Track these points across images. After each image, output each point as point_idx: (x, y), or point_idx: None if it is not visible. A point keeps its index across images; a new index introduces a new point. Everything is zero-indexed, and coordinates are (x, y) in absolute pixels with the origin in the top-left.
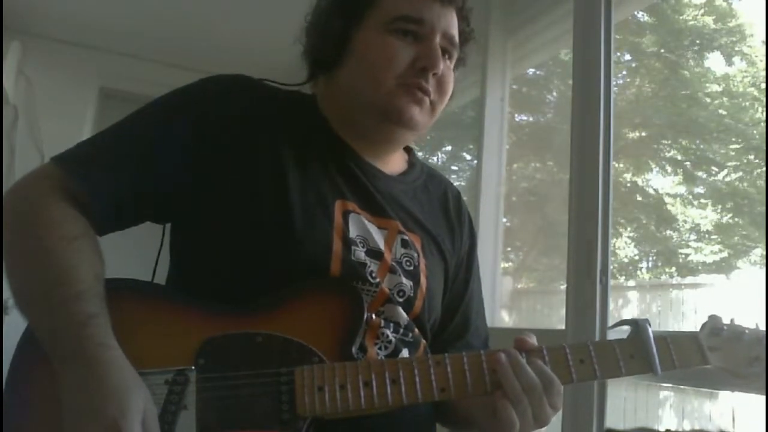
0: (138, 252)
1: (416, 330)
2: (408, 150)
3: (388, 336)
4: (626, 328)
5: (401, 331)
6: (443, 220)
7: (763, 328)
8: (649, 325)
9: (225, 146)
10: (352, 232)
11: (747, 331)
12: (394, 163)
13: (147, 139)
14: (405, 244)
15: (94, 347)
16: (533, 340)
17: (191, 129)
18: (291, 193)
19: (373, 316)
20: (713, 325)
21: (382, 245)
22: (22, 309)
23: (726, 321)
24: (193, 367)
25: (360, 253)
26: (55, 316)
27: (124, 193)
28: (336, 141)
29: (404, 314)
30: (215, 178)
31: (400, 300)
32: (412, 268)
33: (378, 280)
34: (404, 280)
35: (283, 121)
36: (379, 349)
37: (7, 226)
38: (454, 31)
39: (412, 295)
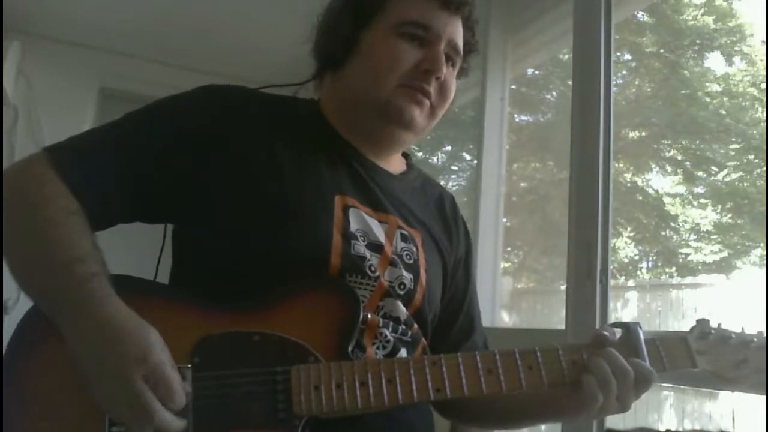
0: (140, 252)
1: (415, 326)
2: (406, 155)
3: (386, 335)
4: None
5: (400, 329)
6: (440, 219)
7: (749, 332)
8: (640, 328)
9: (217, 149)
10: (353, 226)
11: (734, 335)
12: (393, 163)
13: (136, 140)
14: (405, 238)
15: (101, 299)
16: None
17: (181, 134)
18: (288, 189)
19: (369, 315)
20: (701, 329)
21: (382, 238)
22: (23, 279)
23: (714, 325)
24: (189, 366)
25: (360, 247)
26: (58, 276)
27: (110, 191)
28: (337, 138)
29: (403, 309)
30: (208, 180)
31: (401, 293)
32: (412, 261)
33: (377, 274)
34: (405, 273)
35: (278, 122)
36: (378, 348)
37: (6, 201)
38: (459, 40)
39: (412, 287)
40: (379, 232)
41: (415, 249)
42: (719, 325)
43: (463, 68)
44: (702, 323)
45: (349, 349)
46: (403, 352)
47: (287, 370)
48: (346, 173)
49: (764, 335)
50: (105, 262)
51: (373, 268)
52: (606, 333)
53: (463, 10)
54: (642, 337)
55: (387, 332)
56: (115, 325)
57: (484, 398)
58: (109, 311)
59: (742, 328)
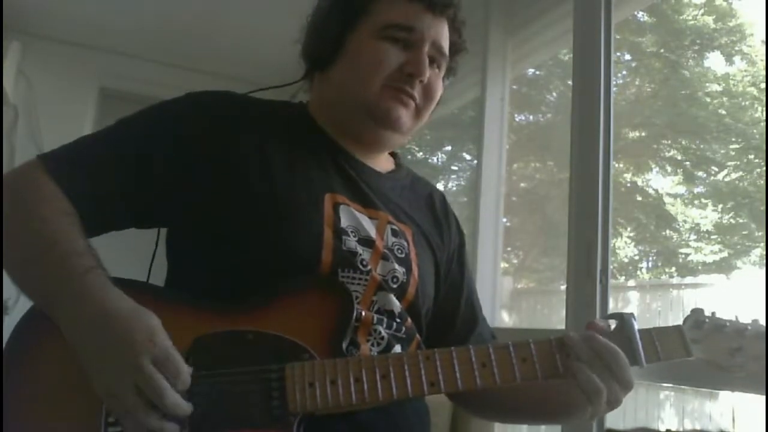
0: (133, 255)
1: (409, 321)
2: (394, 155)
3: (380, 332)
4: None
5: (394, 325)
6: (430, 216)
7: (744, 321)
8: (635, 318)
9: (210, 153)
10: (343, 222)
11: (728, 324)
12: (382, 162)
13: (130, 147)
14: (395, 233)
15: (101, 289)
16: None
17: (174, 139)
18: (279, 190)
19: (363, 312)
20: (696, 318)
21: (373, 234)
22: (22, 276)
23: (708, 314)
24: None
25: (351, 243)
26: (57, 270)
27: (102, 197)
28: (326, 140)
29: (397, 302)
30: (202, 183)
31: (394, 286)
32: (403, 255)
33: (369, 267)
34: (397, 266)
35: (269, 124)
36: (372, 345)
37: (3, 202)
38: (444, 42)
39: (405, 280)
40: (370, 228)
41: (406, 243)
42: (713, 314)
43: (451, 68)
44: (696, 313)
45: (344, 346)
46: (397, 348)
47: (282, 368)
48: (336, 172)
49: (758, 322)
50: (100, 259)
51: (364, 263)
52: (600, 324)
53: (448, 12)
54: (636, 326)
55: (381, 329)
56: (118, 312)
57: (483, 392)
58: (110, 299)
59: (736, 317)
